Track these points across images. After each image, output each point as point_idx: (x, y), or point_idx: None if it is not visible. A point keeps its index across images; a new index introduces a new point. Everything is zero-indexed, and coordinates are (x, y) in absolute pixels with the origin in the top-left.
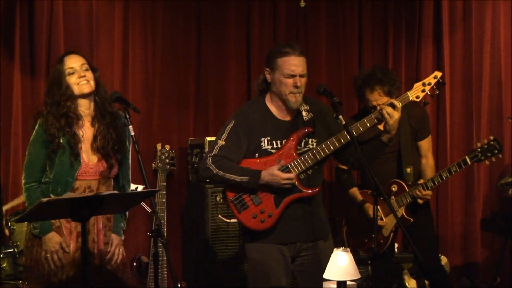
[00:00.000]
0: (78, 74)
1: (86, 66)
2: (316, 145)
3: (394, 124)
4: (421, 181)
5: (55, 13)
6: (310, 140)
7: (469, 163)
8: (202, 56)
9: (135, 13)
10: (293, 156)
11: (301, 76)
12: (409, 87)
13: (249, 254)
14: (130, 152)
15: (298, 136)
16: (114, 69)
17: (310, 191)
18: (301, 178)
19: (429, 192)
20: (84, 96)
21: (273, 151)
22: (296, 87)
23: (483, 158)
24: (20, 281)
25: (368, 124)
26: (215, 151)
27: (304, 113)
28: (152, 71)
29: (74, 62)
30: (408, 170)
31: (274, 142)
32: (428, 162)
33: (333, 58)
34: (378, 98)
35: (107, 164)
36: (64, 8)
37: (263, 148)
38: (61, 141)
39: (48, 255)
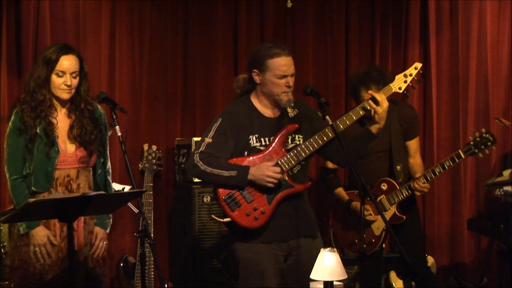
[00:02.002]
0: (64, 80)
1: (76, 73)
2: (303, 141)
3: (382, 113)
4: (418, 174)
5: (42, 13)
6: (296, 136)
7: (463, 156)
8: (189, 56)
9: (122, 13)
10: (282, 153)
11: (291, 75)
12: None
13: (239, 254)
14: (108, 146)
15: (286, 133)
16: (101, 70)
17: (302, 186)
18: (291, 174)
19: (427, 185)
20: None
21: (261, 148)
22: (288, 86)
23: (476, 151)
24: (7, 282)
25: (354, 117)
26: (202, 148)
27: (289, 110)
28: (139, 72)
29: (67, 66)
30: (398, 167)
31: (262, 139)
32: (416, 161)
33: (320, 59)
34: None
35: (86, 151)
36: (50, 9)
37: (252, 145)
38: (37, 130)
39: (37, 249)
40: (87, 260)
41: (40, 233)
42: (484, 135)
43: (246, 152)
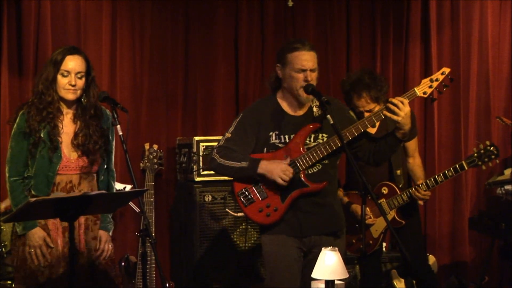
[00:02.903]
0: (69, 80)
1: (82, 73)
2: (327, 140)
3: (404, 119)
4: (420, 181)
5: (43, 13)
6: (320, 135)
7: (466, 168)
8: (190, 55)
9: (123, 13)
10: (300, 151)
11: (311, 70)
12: (397, 88)
13: (264, 247)
14: (114, 150)
15: (306, 131)
16: (102, 69)
17: (316, 186)
18: (309, 173)
19: (428, 193)
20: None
21: (281, 145)
22: (306, 81)
23: (480, 163)
24: (9, 281)
25: (375, 121)
26: (221, 143)
27: (314, 109)
28: (140, 71)
29: (72, 66)
30: (398, 172)
31: (282, 136)
32: (415, 161)
33: (321, 58)
34: (365, 104)
35: (88, 160)
36: (51, 9)
37: (271, 142)
38: (41, 135)
39: (32, 250)
40: (92, 265)
41: (36, 235)
42: (488, 147)
43: (265, 149)
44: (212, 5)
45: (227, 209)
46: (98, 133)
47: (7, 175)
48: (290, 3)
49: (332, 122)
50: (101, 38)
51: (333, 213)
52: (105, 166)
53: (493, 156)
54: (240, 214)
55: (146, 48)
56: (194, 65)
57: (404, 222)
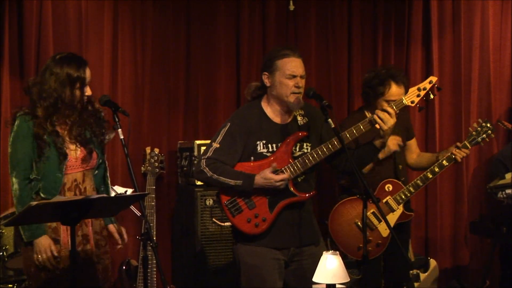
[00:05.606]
0: None
1: None
2: (311, 149)
3: (388, 130)
4: (459, 144)
5: (44, 14)
6: (305, 144)
7: (469, 147)
8: (191, 58)
9: (125, 14)
10: (288, 161)
11: (301, 77)
12: None
13: (241, 258)
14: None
15: (293, 140)
16: (103, 72)
17: (305, 195)
18: (295, 182)
19: (467, 151)
20: None
21: (268, 154)
22: (297, 87)
23: (479, 140)
24: (10, 285)
25: (363, 129)
26: (209, 154)
27: (299, 118)
28: (142, 74)
29: None
30: (400, 167)
31: (269, 145)
32: (421, 152)
33: (322, 61)
34: (400, 93)
35: (86, 150)
36: (53, 10)
37: (258, 151)
38: (46, 138)
39: (39, 257)
40: (98, 261)
41: (43, 244)
42: (483, 124)
43: (252, 158)
44: (213, 8)
45: (213, 219)
46: (92, 120)
47: (14, 179)
48: (292, 7)
49: (333, 126)
50: (103, 40)
51: (311, 224)
52: (100, 162)
53: (489, 131)
54: (226, 223)
55: (148, 51)
56: (196, 68)
57: (413, 214)
